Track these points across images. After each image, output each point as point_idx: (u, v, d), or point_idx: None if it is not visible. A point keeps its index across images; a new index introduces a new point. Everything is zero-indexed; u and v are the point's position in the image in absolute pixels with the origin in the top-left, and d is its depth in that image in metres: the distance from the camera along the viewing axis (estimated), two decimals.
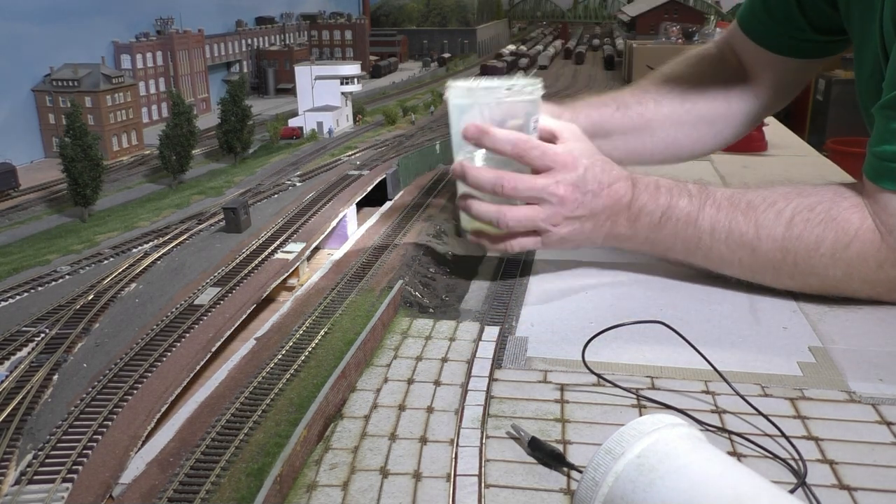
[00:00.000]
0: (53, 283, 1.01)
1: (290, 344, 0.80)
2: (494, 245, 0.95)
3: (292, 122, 2.00)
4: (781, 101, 1.28)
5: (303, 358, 0.77)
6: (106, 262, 1.09)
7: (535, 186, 0.89)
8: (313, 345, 0.80)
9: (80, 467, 0.60)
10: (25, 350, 0.81)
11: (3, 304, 0.94)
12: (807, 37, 1.13)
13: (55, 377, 0.75)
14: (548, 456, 0.60)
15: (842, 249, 0.84)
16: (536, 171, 0.90)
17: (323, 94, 2.03)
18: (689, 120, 1.21)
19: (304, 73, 2.02)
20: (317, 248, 1.16)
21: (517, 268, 1.02)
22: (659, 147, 1.22)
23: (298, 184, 1.47)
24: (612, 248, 1.09)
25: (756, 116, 1.28)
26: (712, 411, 0.67)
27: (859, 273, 0.85)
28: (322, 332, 0.82)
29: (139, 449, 0.63)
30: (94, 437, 0.64)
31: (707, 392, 0.70)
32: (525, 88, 0.89)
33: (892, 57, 0.82)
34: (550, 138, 0.93)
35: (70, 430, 0.65)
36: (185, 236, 1.18)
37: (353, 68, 2.05)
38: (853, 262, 0.84)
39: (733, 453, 0.61)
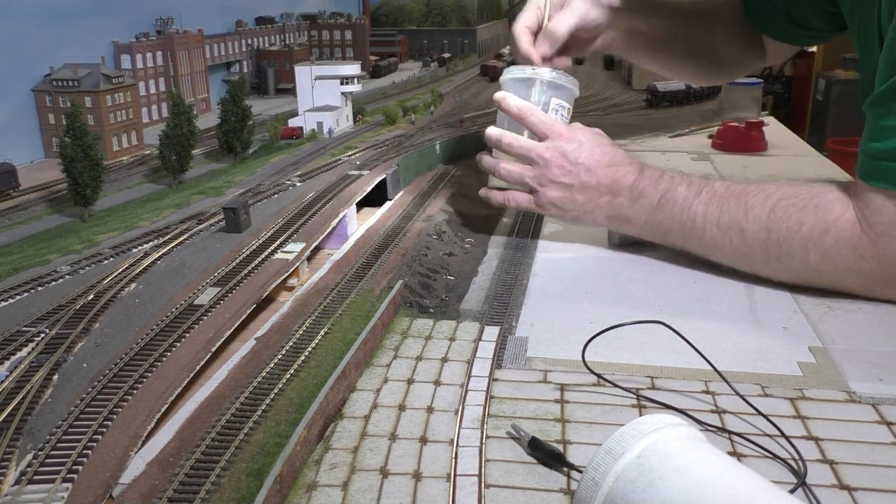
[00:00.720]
0: (53, 283, 1.01)
1: (290, 344, 0.80)
2: (496, 198, 1.09)
3: (292, 122, 2.00)
4: (773, 61, 1.40)
5: (303, 358, 0.77)
6: (106, 262, 1.08)
7: (526, 147, 1.04)
8: (313, 345, 0.80)
9: (80, 467, 0.60)
10: (25, 350, 0.81)
11: (3, 304, 0.94)
12: (785, 27, 1.19)
13: (55, 377, 0.75)
14: (548, 456, 0.60)
15: (819, 234, 0.86)
16: (540, 139, 1.03)
17: (323, 94, 2.02)
18: (704, 50, 1.30)
19: (304, 73, 2.01)
20: (317, 248, 1.16)
21: (518, 267, 1.02)
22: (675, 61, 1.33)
23: (298, 184, 1.47)
24: (612, 248, 1.10)
25: (750, 64, 1.37)
26: (712, 411, 0.67)
27: (839, 261, 0.86)
28: (322, 332, 0.82)
29: (139, 449, 0.63)
30: (94, 437, 0.64)
31: (707, 392, 0.70)
32: (553, 76, 1.06)
33: (882, 53, 0.83)
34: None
35: (70, 430, 0.65)
36: (185, 236, 1.18)
37: (353, 68, 2.05)
38: (831, 249, 0.86)
39: (733, 453, 0.61)
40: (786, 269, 0.90)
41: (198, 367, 0.77)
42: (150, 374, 0.74)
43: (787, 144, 1.91)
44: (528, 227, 1.20)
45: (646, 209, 0.98)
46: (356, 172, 1.49)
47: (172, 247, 1.13)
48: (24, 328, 0.86)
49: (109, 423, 0.66)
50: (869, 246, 0.83)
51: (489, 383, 0.72)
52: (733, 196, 0.92)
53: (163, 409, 0.69)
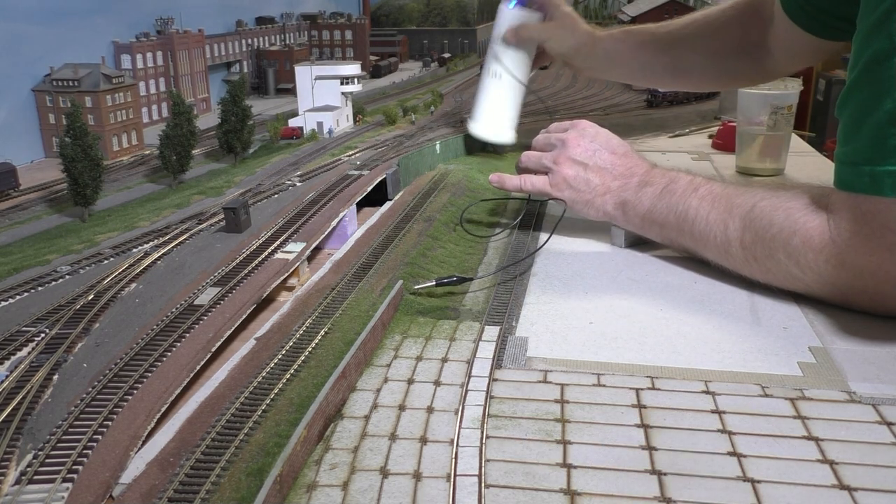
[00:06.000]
0: (53, 283, 1.01)
1: (290, 344, 0.80)
2: (511, 182, 1.15)
3: (292, 122, 2.00)
4: (811, 61, 1.49)
5: (303, 358, 0.77)
6: (106, 262, 1.08)
7: (546, 135, 1.14)
8: (313, 345, 0.80)
9: (80, 467, 0.60)
10: (25, 350, 0.81)
11: (3, 304, 0.94)
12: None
13: (55, 377, 0.75)
14: (453, 282, 0.81)
15: (787, 236, 0.85)
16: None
17: (323, 94, 2.02)
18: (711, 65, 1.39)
19: (304, 73, 2.01)
20: (317, 248, 1.16)
21: (518, 267, 1.02)
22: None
23: (298, 184, 1.47)
24: (612, 247, 1.10)
25: (751, 73, 1.40)
26: (712, 411, 0.67)
27: (804, 264, 0.85)
28: (322, 332, 0.82)
29: (139, 449, 0.63)
30: (94, 437, 0.64)
31: (707, 392, 0.70)
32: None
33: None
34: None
35: (70, 430, 0.65)
36: (185, 236, 1.18)
37: (353, 68, 2.04)
38: (796, 252, 0.85)
39: (734, 453, 0.61)
40: (761, 269, 0.90)
41: (198, 367, 0.77)
42: (150, 374, 0.74)
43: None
44: (528, 227, 1.20)
45: (649, 197, 1.01)
46: (356, 172, 1.49)
47: (172, 247, 1.13)
48: (24, 328, 0.86)
49: (109, 423, 0.66)
50: (836, 252, 0.81)
51: (489, 383, 0.72)
52: (725, 195, 0.94)
53: (163, 409, 0.69)
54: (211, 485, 0.57)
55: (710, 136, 1.90)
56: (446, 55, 3.91)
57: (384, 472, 0.58)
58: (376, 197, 1.40)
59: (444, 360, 0.77)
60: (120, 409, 0.68)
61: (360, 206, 1.34)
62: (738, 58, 1.34)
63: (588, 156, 1.07)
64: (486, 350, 0.79)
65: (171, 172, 1.60)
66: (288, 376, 0.73)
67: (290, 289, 1.03)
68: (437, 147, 1.66)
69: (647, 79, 1.66)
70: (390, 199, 1.41)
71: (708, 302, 0.91)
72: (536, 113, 2.09)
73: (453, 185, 1.45)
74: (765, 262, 0.89)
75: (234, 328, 0.86)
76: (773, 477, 0.57)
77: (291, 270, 1.04)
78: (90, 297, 0.94)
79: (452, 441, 0.62)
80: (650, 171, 1.04)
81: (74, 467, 0.60)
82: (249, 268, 1.02)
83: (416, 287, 0.94)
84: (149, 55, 2.30)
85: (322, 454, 0.61)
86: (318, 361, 0.76)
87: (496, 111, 1.30)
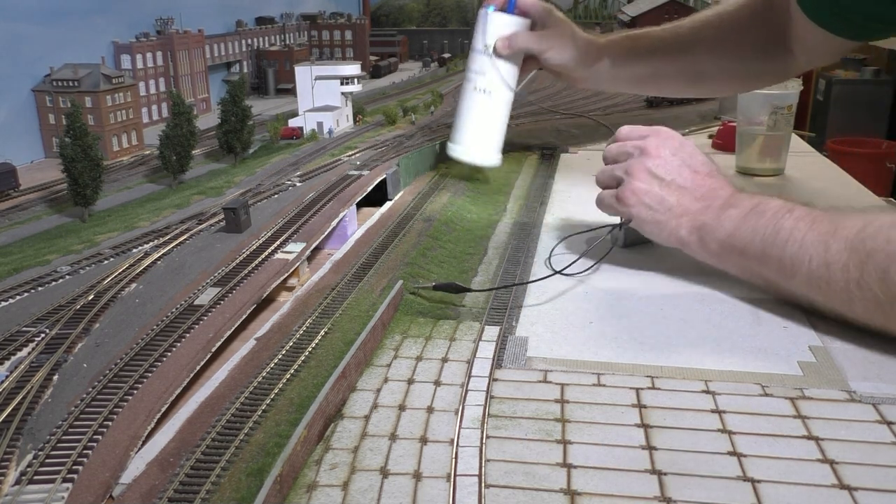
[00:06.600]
0: (53, 283, 1.01)
1: (290, 344, 0.80)
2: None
3: (292, 122, 2.00)
4: (825, 60, 1.29)
5: (303, 358, 0.77)
6: (106, 262, 1.09)
7: (622, 143, 1.00)
8: (313, 345, 0.80)
9: (80, 467, 0.60)
10: (25, 350, 0.81)
11: (3, 304, 0.94)
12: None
13: (55, 377, 0.75)
14: (451, 289, 0.82)
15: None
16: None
17: (323, 95, 2.02)
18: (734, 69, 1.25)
19: (304, 73, 2.01)
20: (317, 249, 1.16)
21: (518, 267, 1.02)
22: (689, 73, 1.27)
23: (298, 184, 1.47)
24: (613, 247, 1.09)
25: (769, 73, 1.30)
26: (712, 411, 0.67)
27: None
28: (322, 332, 0.82)
29: (139, 449, 0.63)
30: (94, 437, 0.64)
31: (707, 392, 0.70)
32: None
33: None
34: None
35: (70, 430, 0.65)
36: (185, 236, 1.18)
37: (353, 68, 2.05)
38: None
39: (734, 453, 0.61)
40: (862, 296, 0.77)
41: (198, 367, 0.77)
42: (150, 374, 0.74)
43: None
44: (528, 227, 1.20)
45: (733, 220, 0.89)
46: (356, 172, 1.49)
47: (172, 247, 1.13)
48: (24, 328, 0.86)
49: (109, 423, 0.66)
50: None
51: (489, 383, 0.72)
52: (828, 217, 0.82)
53: (163, 409, 0.69)
54: (211, 485, 0.57)
55: (710, 136, 1.90)
56: (446, 55, 3.90)
57: (384, 472, 0.58)
58: (376, 197, 1.40)
59: (444, 360, 0.77)
60: (120, 410, 0.68)
61: (360, 206, 1.35)
62: (761, 58, 1.24)
63: (667, 170, 0.94)
64: (486, 350, 0.79)
65: (171, 172, 1.60)
66: (288, 376, 0.73)
67: (290, 289, 1.03)
68: (437, 147, 1.66)
69: (658, 87, 1.44)
70: (390, 199, 1.41)
71: (708, 302, 0.91)
72: (538, 113, 2.08)
73: (453, 185, 1.45)
74: (870, 288, 0.75)
75: (234, 328, 0.86)
76: (773, 477, 0.57)
77: (291, 270, 1.04)
78: (90, 297, 0.94)
79: (452, 441, 0.62)
80: (736, 195, 0.92)
81: (74, 467, 0.60)
82: (249, 268, 1.02)
83: (415, 286, 0.94)
84: (149, 55, 2.30)
85: (322, 454, 0.61)
86: (318, 361, 0.76)
87: (484, 132, 1.13)
